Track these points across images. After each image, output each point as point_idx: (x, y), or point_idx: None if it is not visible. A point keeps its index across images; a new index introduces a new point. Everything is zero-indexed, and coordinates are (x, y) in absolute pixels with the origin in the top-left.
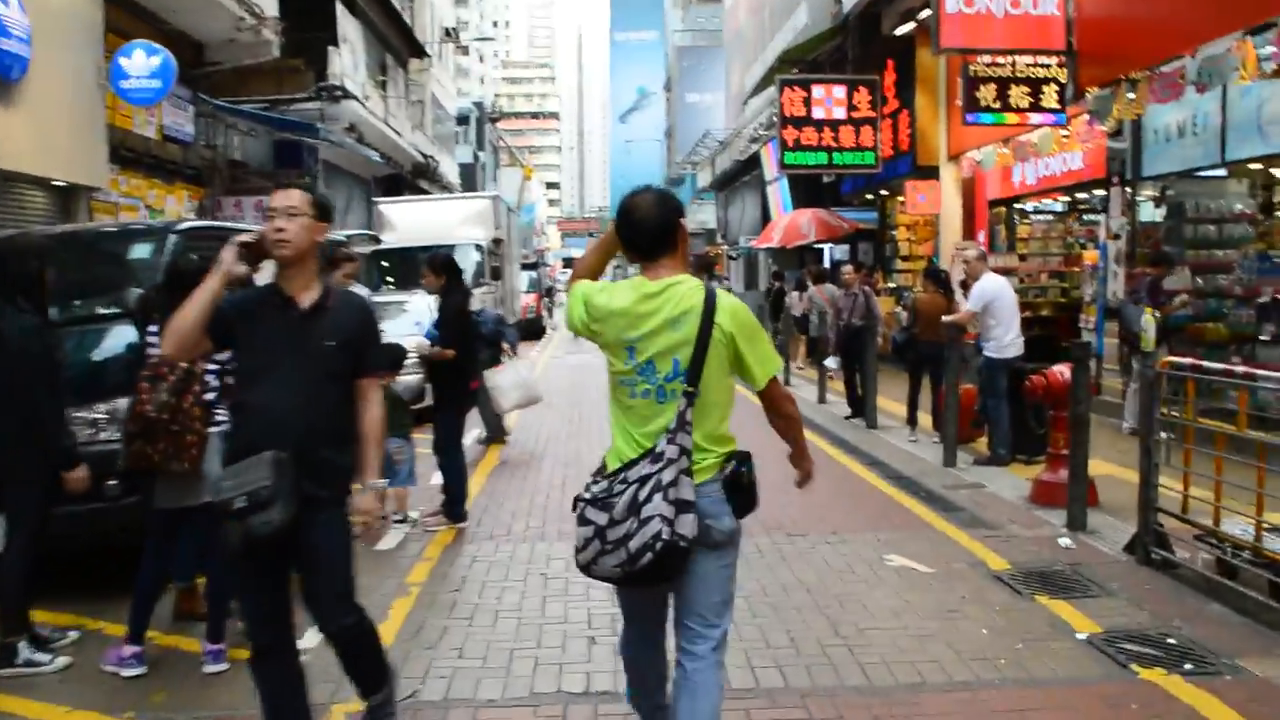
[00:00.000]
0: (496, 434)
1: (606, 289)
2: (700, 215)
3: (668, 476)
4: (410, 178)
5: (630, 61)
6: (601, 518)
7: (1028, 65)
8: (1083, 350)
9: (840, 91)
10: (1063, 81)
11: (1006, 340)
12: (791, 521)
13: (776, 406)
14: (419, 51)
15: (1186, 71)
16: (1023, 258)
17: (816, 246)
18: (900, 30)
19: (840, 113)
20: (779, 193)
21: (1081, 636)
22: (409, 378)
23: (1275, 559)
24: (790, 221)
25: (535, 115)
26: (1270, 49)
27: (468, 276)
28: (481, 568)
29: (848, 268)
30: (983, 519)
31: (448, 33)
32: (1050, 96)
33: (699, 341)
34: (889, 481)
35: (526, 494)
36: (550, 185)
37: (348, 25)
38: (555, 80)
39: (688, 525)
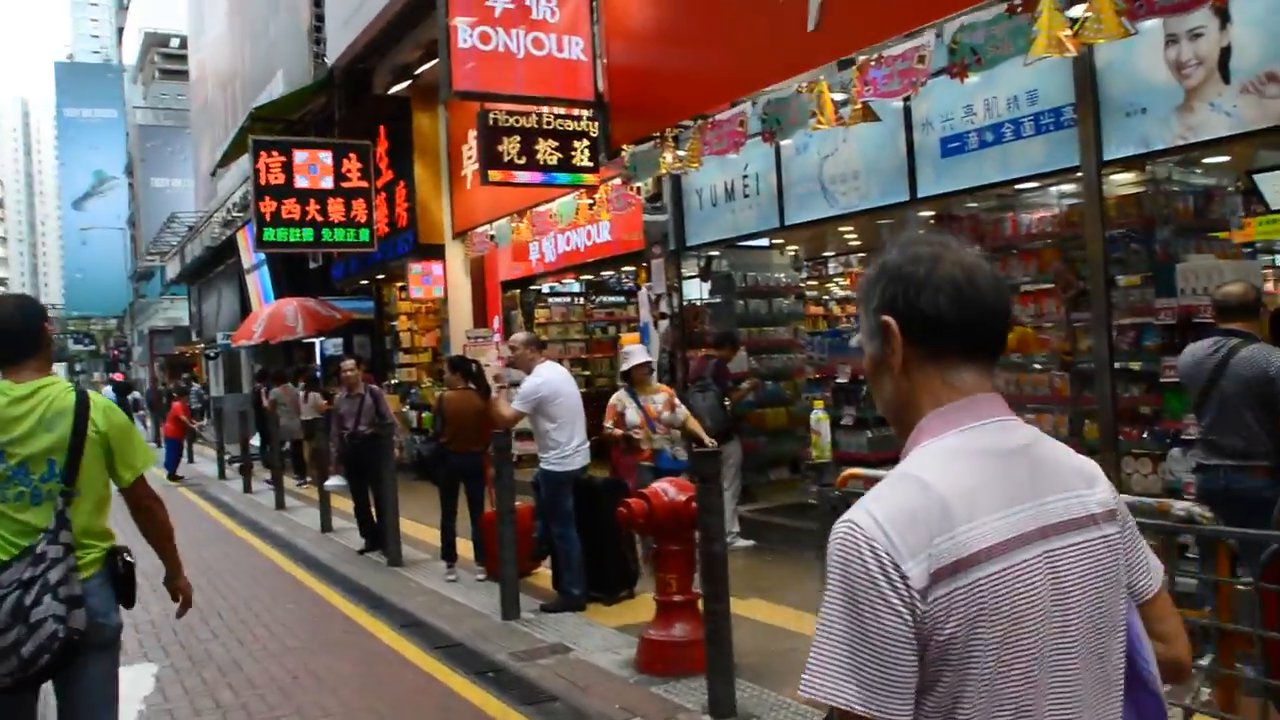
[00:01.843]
0: None
1: None
2: (172, 312)
3: (55, 576)
4: None
5: (85, 141)
6: None
7: (557, 117)
8: (710, 463)
9: (327, 157)
10: (594, 136)
11: (570, 447)
12: None
13: (142, 506)
14: None
15: (748, 119)
16: (542, 345)
17: (307, 341)
18: (395, 89)
19: (328, 182)
20: (260, 281)
21: None
22: None
23: None
24: (273, 313)
25: None
26: (840, 96)
27: None
28: None
29: (349, 363)
30: (588, 712)
31: None
32: (582, 154)
33: (74, 441)
34: (438, 655)
35: None
36: None
37: None
38: None
39: (79, 619)
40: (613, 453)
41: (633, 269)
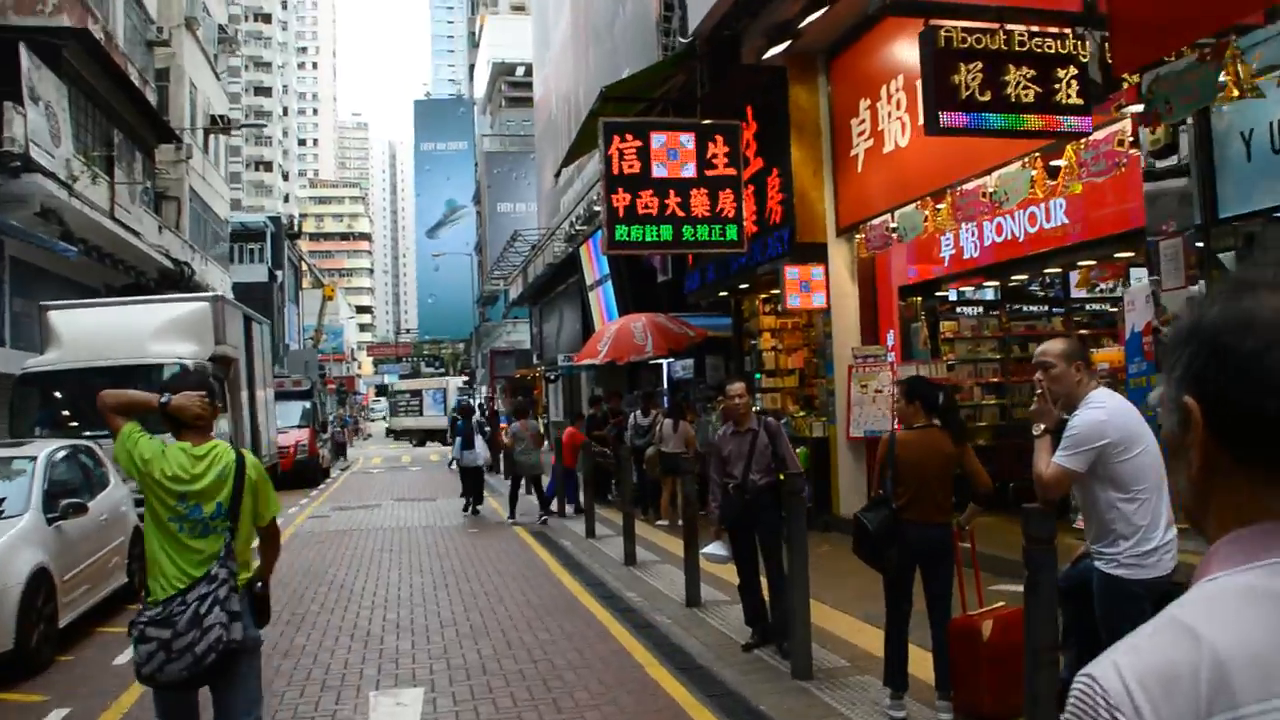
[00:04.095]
0: None
1: (166, 453)
2: (514, 335)
3: (222, 593)
4: (155, 288)
5: (439, 173)
6: (165, 633)
7: (1032, 36)
8: None
9: (688, 141)
10: (1084, 61)
11: (1157, 536)
12: None
13: (269, 541)
14: (166, 136)
15: None
16: (950, 366)
17: (653, 363)
18: (769, 54)
19: (690, 170)
20: (603, 298)
21: None
22: None
23: None
24: (620, 330)
25: (345, 236)
26: None
27: None
28: None
29: (737, 387)
30: None
31: (215, 120)
32: (1069, 87)
33: (236, 486)
34: None
35: None
36: (362, 309)
37: (45, 83)
38: (367, 200)
39: (238, 631)
40: None
41: (1089, 263)
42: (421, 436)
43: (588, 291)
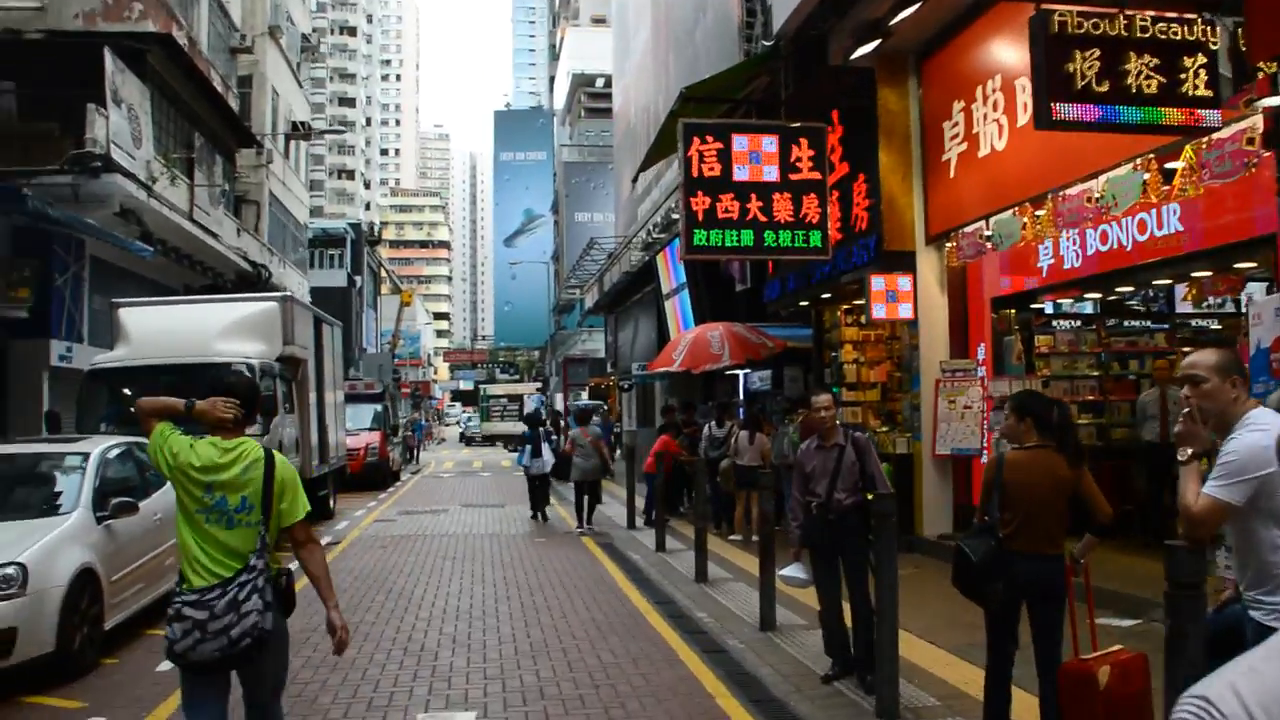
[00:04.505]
0: None
1: (195, 446)
2: (589, 344)
3: (260, 582)
4: (233, 289)
5: (517, 183)
6: (202, 614)
7: (1155, 22)
8: None
9: (771, 144)
10: (1214, 49)
11: None
12: None
13: (304, 545)
14: (247, 140)
15: None
16: (1045, 383)
17: (729, 374)
18: (857, 54)
19: (772, 174)
20: (679, 307)
21: None
22: None
23: None
24: (697, 338)
25: (424, 244)
26: None
27: None
28: None
29: (823, 398)
30: None
31: (296, 127)
32: (1196, 77)
33: (266, 482)
34: None
35: None
36: (439, 315)
37: (128, 86)
38: (447, 209)
39: (269, 620)
40: None
41: (1204, 274)
42: (519, 442)
43: (664, 300)
